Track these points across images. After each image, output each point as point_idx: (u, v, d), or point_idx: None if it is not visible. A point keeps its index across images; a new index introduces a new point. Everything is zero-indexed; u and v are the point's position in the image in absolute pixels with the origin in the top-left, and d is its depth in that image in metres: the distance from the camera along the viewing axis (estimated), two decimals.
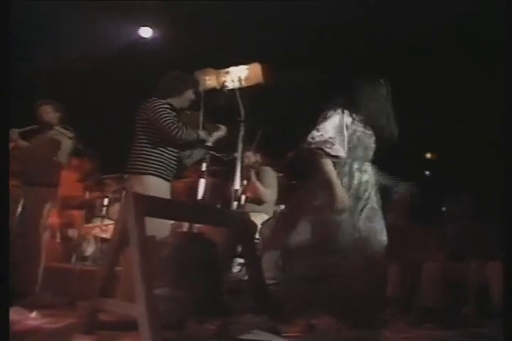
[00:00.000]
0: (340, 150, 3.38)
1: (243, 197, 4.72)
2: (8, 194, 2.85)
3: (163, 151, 3.83)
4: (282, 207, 5.25)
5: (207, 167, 3.86)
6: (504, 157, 3.07)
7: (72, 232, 5.64)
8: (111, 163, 5.27)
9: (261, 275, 3.37)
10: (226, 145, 4.00)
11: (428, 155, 6.35)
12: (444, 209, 4.77)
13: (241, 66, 3.78)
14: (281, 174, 5.38)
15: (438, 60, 5.11)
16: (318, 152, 3.37)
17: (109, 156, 5.33)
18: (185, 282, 3.04)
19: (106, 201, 5.70)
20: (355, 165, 3.43)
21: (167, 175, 3.84)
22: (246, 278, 3.73)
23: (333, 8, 5.02)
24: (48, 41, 5.79)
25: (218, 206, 4.69)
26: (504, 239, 2.97)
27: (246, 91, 3.70)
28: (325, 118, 3.43)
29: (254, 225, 4.18)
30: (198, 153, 4.01)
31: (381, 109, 3.50)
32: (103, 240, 5.50)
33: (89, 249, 5.62)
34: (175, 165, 3.91)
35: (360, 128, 3.48)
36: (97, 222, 5.69)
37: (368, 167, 3.48)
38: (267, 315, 3.13)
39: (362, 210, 3.36)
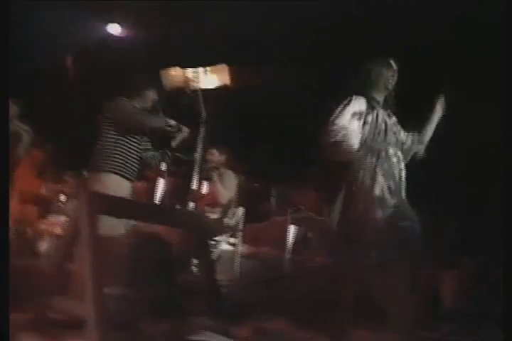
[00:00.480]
0: (354, 138, 3.25)
1: (202, 198, 4.71)
2: (9, 195, 2.85)
3: (125, 150, 3.82)
4: (240, 209, 5.22)
5: (167, 167, 3.87)
6: (504, 157, 3.07)
7: (26, 228, 5.55)
8: (70, 159, 5.26)
9: (213, 277, 3.34)
10: (187, 146, 3.99)
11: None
12: None
13: (209, 67, 3.77)
14: (243, 176, 5.36)
15: (438, 60, 5.11)
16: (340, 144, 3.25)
17: (67, 152, 5.32)
18: (139, 282, 3.02)
19: (63, 197, 5.62)
20: (391, 151, 3.31)
21: (128, 174, 3.82)
22: (199, 279, 3.72)
23: (333, 7, 5.02)
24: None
25: (177, 206, 4.68)
26: (504, 238, 2.97)
27: (211, 92, 3.70)
28: (341, 107, 3.33)
29: (210, 226, 4.19)
30: (160, 154, 4.02)
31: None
32: (58, 237, 5.42)
33: (43, 246, 5.52)
34: (137, 164, 3.89)
35: (383, 112, 3.38)
36: (53, 218, 5.58)
37: (401, 155, 3.37)
38: (218, 317, 3.10)
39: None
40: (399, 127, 3.47)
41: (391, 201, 3.21)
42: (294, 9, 5.13)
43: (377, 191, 3.19)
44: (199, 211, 4.22)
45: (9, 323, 2.58)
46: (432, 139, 3.63)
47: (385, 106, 3.43)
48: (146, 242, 3.33)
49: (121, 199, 3.48)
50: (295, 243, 4.87)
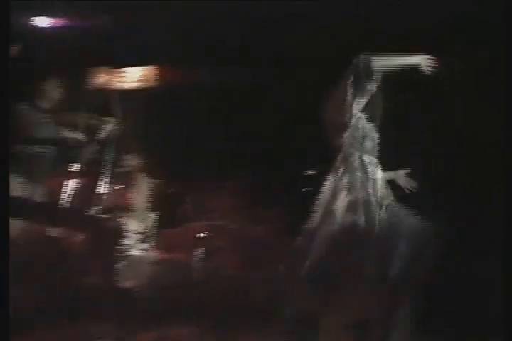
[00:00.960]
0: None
1: (113, 202, 4.65)
2: (8, 194, 2.85)
3: (30, 149, 3.76)
4: (153, 214, 5.16)
5: (78, 168, 3.80)
6: (504, 157, 3.07)
7: None
8: None
9: (117, 283, 3.29)
10: (101, 147, 3.93)
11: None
12: None
13: (136, 67, 3.74)
14: (158, 181, 5.30)
15: (438, 59, 5.11)
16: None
17: None
18: (34, 284, 2.97)
19: None
20: (366, 159, 3.28)
21: (30, 174, 3.75)
22: (104, 285, 3.69)
23: (332, 7, 5.02)
24: None
25: (84, 209, 4.48)
26: (504, 238, 2.98)
27: (132, 93, 3.64)
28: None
29: (119, 231, 4.13)
30: (84, 153, 3.96)
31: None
32: None
33: None
34: (41, 164, 3.83)
35: (364, 117, 3.34)
36: None
37: (378, 162, 3.33)
38: (117, 323, 3.07)
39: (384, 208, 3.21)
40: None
41: (348, 215, 3.18)
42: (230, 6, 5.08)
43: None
44: (107, 215, 4.16)
45: (9, 323, 2.59)
46: (431, 139, 3.62)
47: (366, 110, 3.38)
48: (44, 245, 3.26)
49: (22, 199, 3.40)
50: (207, 250, 4.84)
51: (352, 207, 3.17)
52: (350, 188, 3.20)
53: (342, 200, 3.18)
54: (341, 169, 3.25)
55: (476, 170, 4.70)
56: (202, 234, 4.89)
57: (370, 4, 4.98)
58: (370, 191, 3.20)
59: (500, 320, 2.92)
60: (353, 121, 3.27)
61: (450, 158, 4.91)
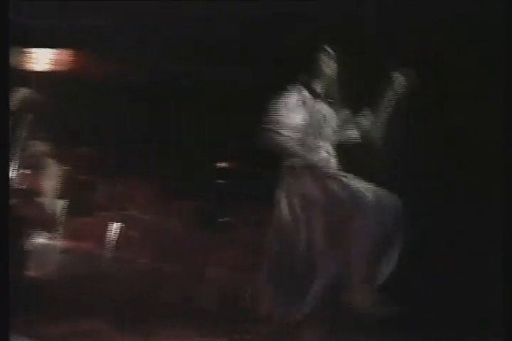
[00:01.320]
0: (286, 130, 3.17)
1: (20, 186, 4.56)
2: (9, 193, 2.85)
3: None
4: (62, 201, 4.98)
5: None
6: (504, 157, 3.07)
7: None
8: None
9: (20, 271, 3.18)
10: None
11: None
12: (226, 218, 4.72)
13: (50, 49, 3.59)
14: (68, 168, 5.15)
15: (437, 60, 5.11)
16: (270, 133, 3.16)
17: None
18: None
19: None
20: (322, 146, 3.26)
21: None
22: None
23: (331, 7, 5.02)
24: None
25: None
26: (504, 238, 2.97)
27: (47, 76, 3.45)
28: (281, 97, 3.25)
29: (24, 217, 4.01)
30: None
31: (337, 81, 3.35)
32: None
33: None
34: None
35: (322, 104, 3.30)
36: None
37: (333, 152, 3.30)
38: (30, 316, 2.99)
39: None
40: (343, 119, 3.38)
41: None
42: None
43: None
44: (14, 199, 4.05)
45: (9, 323, 2.59)
46: (431, 139, 3.62)
47: (327, 96, 3.35)
48: None
49: None
50: (117, 241, 4.72)
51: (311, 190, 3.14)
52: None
53: (299, 185, 3.15)
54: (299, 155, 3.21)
55: (476, 171, 4.70)
56: (113, 224, 4.79)
57: (370, 4, 4.98)
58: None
59: (500, 320, 2.92)
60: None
61: (450, 159, 4.91)
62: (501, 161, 3.12)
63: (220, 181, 4.76)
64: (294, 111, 3.18)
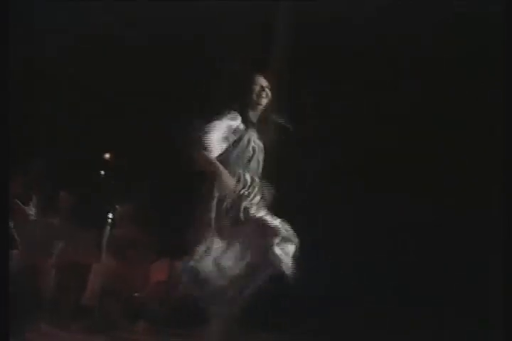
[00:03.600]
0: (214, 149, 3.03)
1: None
2: (9, 195, 2.85)
3: None
4: None
5: None
6: (504, 157, 3.07)
7: None
8: None
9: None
10: None
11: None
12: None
13: None
14: None
15: (437, 59, 5.11)
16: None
17: None
18: None
19: None
20: (248, 178, 3.11)
21: None
22: None
23: (330, 7, 5.02)
24: None
25: None
26: (504, 238, 2.97)
27: None
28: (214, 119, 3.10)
29: None
30: None
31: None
32: None
33: None
34: None
35: (254, 137, 3.17)
36: None
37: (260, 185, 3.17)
38: None
39: None
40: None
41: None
42: None
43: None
44: None
45: (9, 323, 2.59)
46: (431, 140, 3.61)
47: (258, 127, 3.20)
48: None
49: None
50: None
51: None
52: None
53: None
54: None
55: (476, 171, 4.70)
56: None
57: (370, 4, 4.98)
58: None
59: (500, 320, 2.92)
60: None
61: (449, 159, 4.91)
62: (501, 161, 3.12)
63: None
64: (226, 138, 3.09)
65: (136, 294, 4.44)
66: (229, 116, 3.08)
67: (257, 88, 3.18)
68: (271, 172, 3.21)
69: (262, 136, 3.18)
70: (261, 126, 3.19)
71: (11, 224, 4.18)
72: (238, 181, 3.06)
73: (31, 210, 4.73)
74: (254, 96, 3.16)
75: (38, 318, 3.84)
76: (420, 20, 4.91)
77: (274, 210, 3.06)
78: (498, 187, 3.24)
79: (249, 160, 3.12)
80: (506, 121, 3.11)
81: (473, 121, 4.85)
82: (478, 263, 4.39)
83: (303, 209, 4.31)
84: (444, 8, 4.81)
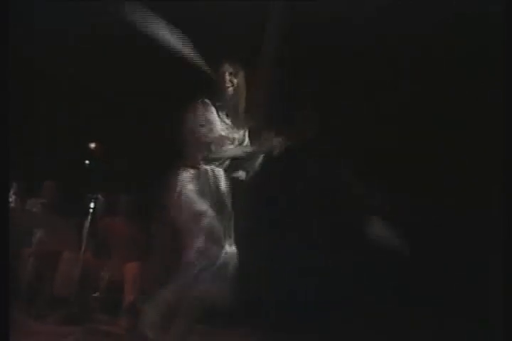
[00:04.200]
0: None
1: None
2: (8, 195, 2.85)
3: None
4: None
5: None
6: (504, 157, 3.07)
7: None
8: None
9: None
10: None
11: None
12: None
13: None
14: None
15: (437, 59, 5.11)
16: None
17: None
18: None
19: None
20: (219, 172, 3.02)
21: None
22: None
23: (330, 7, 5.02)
24: None
25: None
26: (504, 238, 2.97)
27: None
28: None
29: None
30: None
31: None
32: None
33: None
34: None
35: (226, 126, 3.07)
36: None
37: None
38: None
39: None
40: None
41: None
42: None
43: None
44: None
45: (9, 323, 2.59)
46: (431, 139, 3.60)
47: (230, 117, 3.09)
48: None
49: None
50: None
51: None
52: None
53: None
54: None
55: (476, 171, 4.70)
56: None
57: (370, 4, 4.98)
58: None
59: (500, 320, 2.92)
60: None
61: (449, 159, 4.91)
62: (501, 161, 3.12)
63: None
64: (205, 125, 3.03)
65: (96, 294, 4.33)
66: (202, 104, 3.02)
67: (221, 74, 3.09)
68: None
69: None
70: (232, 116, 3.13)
71: None
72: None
73: (10, 197, 4.72)
74: (219, 83, 3.08)
75: (15, 308, 3.82)
76: (420, 20, 4.91)
77: None
78: (498, 187, 3.23)
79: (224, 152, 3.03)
80: (506, 121, 3.11)
81: (473, 121, 4.85)
82: (478, 263, 4.39)
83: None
84: (444, 8, 4.80)
